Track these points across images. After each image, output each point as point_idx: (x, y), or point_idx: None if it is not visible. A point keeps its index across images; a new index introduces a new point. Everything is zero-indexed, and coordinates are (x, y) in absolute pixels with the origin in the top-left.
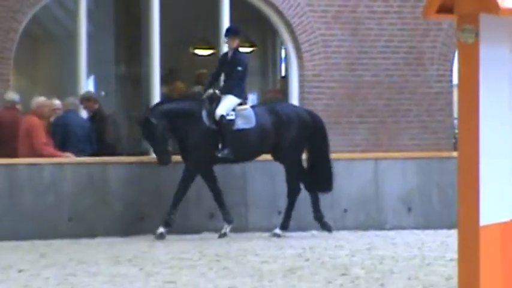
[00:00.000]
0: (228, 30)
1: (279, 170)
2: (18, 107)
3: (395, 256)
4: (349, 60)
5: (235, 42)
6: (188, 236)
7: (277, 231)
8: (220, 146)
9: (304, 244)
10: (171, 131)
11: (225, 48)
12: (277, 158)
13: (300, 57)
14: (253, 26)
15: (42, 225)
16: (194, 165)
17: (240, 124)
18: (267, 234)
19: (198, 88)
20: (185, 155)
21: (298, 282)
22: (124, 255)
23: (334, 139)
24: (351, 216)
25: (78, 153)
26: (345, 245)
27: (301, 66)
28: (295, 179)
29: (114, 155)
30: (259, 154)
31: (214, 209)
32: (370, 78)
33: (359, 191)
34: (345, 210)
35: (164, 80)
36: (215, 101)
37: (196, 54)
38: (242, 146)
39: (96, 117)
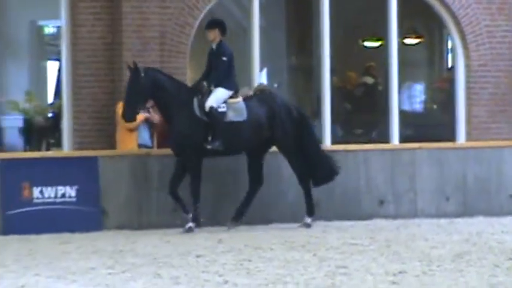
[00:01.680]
0: (207, 22)
1: (448, 157)
2: None
3: None
4: None
5: (212, 34)
6: (359, 222)
7: (308, 220)
8: (210, 137)
9: (471, 229)
10: (157, 105)
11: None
12: (278, 149)
13: (465, 48)
14: (420, 18)
15: (216, 213)
16: (193, 158)
17: (231, 116)
18: (435, 220)
19: (367, 79)
20: (177, 145)
21: (466, 266)
22: (297, 241)
23: (500, 127)
24: None
25: None
26: (511, 230)
27: (467, 57)
28: (301, 171)
29: None
30: (252, 146)
31: (384, 196)
32: None
33: None
34: (511, 196)
35: (334, 70)
36: (206, 93)
37: (365, 46)
38: (233, 138)
39: None
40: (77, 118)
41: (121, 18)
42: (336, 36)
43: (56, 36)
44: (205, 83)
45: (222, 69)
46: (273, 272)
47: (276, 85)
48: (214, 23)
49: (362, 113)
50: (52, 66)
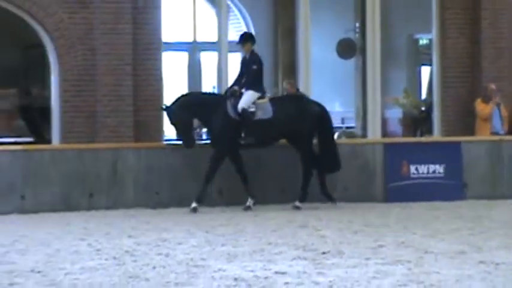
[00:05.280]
0: (240, 37)
1: None
2: None
3: None
4: None
5: (247, 47)
6: None
7: (297, 203)
8: (243, 134)
9: None
10: (197, 118)
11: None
12: (293, 144)
13: None
14: None
15: None
16: (221, 149)
17: (259, 115)
18: None
19: None
20: (212, 140)
21: None
22: None
23: None
24: None
25: None
26: None
27: None
28: (308, 163)
29: None
30: (277, 140)
31: None
32: None
33: None
34: None
35: None
36: (238, 96)
37: None
38: (262, 133)
39: None
40: (444, 111)
41: (480, 32)
42: None
43: (428, 46)
44: (236, 87)
45: (252, 75)
46: None
47: None
48: (248, 37)
49: None
50: (425, 71)
